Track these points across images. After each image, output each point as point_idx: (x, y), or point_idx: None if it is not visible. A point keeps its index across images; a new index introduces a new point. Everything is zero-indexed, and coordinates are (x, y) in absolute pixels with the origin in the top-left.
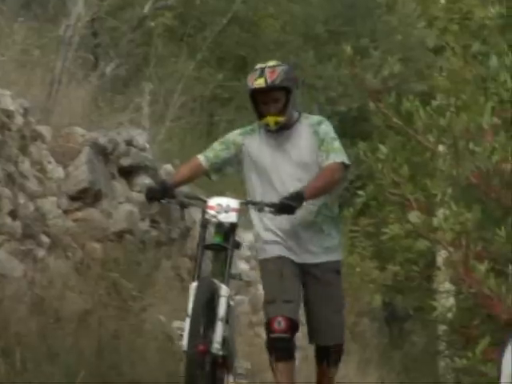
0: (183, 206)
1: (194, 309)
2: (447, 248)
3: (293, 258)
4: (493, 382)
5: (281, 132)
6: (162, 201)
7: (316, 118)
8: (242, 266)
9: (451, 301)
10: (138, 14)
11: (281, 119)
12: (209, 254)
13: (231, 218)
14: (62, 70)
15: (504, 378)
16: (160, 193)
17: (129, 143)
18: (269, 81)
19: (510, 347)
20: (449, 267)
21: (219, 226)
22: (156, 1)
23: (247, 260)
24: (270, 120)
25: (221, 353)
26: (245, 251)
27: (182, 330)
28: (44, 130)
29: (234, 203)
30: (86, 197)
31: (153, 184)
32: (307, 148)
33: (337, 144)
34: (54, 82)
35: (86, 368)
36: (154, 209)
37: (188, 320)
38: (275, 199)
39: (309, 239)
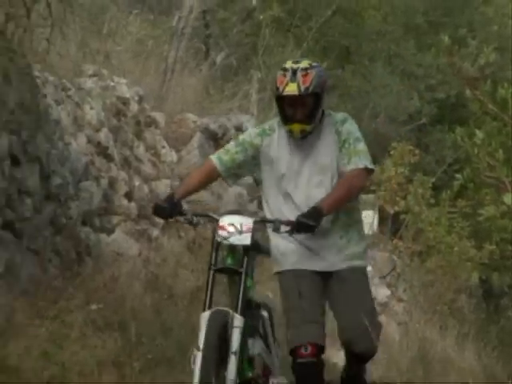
0: (192, 224)
1: (205, 344)
2: None
3: (311, 267)
4: None
5: (303, 137)
6: (170, 219)
7: (340, 115)
8: None
9: None
10: (247, 6)
11: (307, 127)
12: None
13: (245, 240)
14: (175, 60)
15: None
16: (168, 211)
17: (238, 128)
18: (302, 87)
19: None
20: None
21: (231, 248)
22: None
23: None
24: (296, 128)
25: None
26: None
27: (193, 361)
28: (158, 116)
29: (247, 222)
30: None
31: (160, 201)
32: (328, 149)
33: (361, 146)
34: (168, 71)
35: None
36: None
37: (199, 355)
38: (292, 210)
39: (327, 248)
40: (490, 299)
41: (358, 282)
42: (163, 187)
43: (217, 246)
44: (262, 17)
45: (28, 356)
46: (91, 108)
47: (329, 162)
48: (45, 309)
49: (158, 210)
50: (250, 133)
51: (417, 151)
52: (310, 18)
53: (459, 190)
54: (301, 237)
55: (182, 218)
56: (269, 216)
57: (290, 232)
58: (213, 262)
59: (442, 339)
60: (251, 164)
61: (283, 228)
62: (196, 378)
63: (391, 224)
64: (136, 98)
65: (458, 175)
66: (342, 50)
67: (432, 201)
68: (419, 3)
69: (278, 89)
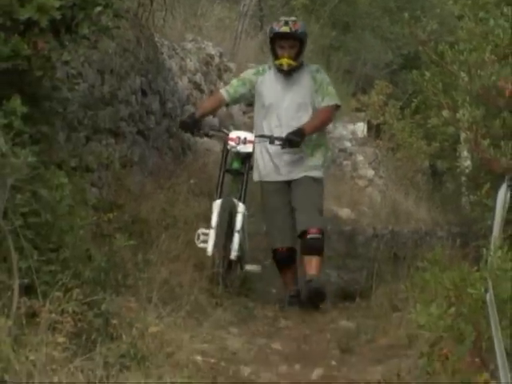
0: (208, 136)
1: (217, 223)
2: (465, 131)
3: (280, 178)
4: (490, 209)
5: (289, 74)
6: (193, 133)
7: (314, 66)
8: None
9: (468, 162)
10: None
11: (293, 63)
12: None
13: (248, 148)
14: (242, 31)
15: (498, 206)
16: (191, 125)
17: None
18: (293, 29)
19: (502, 186)
20: (466, 142)
21: (238, 154)
22: None
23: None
24: (285, 61)
25: (236, 257)
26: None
27: (205, 234)
28: (231, 65)
29: (250, 136)
30: None
31: (184, 118)
32: (306, 90)
33: (331, 89)
34: (237, 38)
35: None
36: None
37: (212, 231)
38: (277, 130)
39: (296, 160)
40: (435, 177)
41: (311, 187)
42: (234, 110)
43: (227, 152)
44: (294, 3)
45: (153, 212)
46: (190, 60)
47: (308, 101)
48: (163, 183)
49: (183, 125)
50: (249, 72)
51: (390, 86)
52: (325, 4)
53: (415, 109)
54: (276, 153)
55: (201, 132)
56: (258, 131)
57: (282, 145)
58: (223, 164)
59: (405, 201)
60: (249, 95)
61: (277, 142)
62: (209, 248)
63: (375, 131)
64: (218, 54)
65: (414, 100)
66: (344, 24)
67: (400, 116)
68: None
69: (273, 29)
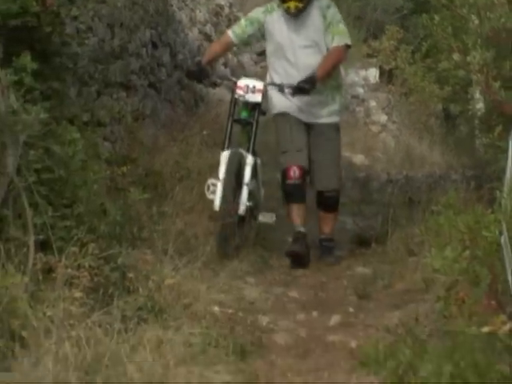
0: (215, 84)
1: (225, 175)
2: (476, 74)
3: (300, 117)
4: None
5: (297, 15)
6: (200, 81)
7: (325, 1)
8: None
9: (481, 105)
10: None
11: (300, 5)
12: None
13: (257, 98)
14: None
15: (511, 148)
16: (198, 73)
17: None
18: None
19: None
20: (477, 85)
21: (246, 103)
22: None
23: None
24: (292, 5)
25: (244, 211)
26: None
27: (214, 185)
28: (241, 15)
29: (259, 85)
30: None
31: (191, 66)
32: (316, 28)
33: (342, 26)
34: None
35: None
36: None
37: (220, 184)
38: (292, 71)
39: (312, 105)
40: (448, 120)
41: (331, 139)
42: (245, 60)
43: (235, 101)
44: None
45: (166, 164)
46: (200, 11)
47: (318, 39)
48: (176, 135)
49: (190, 74)
50: (256, 11)
51: (401, 31)
52: None
53: (426, 52)
54: (295, 98)
55: (208, 80)
56: (273, 75)
57: (292, 93)
58: (231, 113)
59: (419, 145)
60: (257, 35)
61: (287, 90)
62: (217, 201)
63: (387, 76)
64: (227, 5)
65: (425, 43)
66: None
67: (411, 61)
68: None
69: None
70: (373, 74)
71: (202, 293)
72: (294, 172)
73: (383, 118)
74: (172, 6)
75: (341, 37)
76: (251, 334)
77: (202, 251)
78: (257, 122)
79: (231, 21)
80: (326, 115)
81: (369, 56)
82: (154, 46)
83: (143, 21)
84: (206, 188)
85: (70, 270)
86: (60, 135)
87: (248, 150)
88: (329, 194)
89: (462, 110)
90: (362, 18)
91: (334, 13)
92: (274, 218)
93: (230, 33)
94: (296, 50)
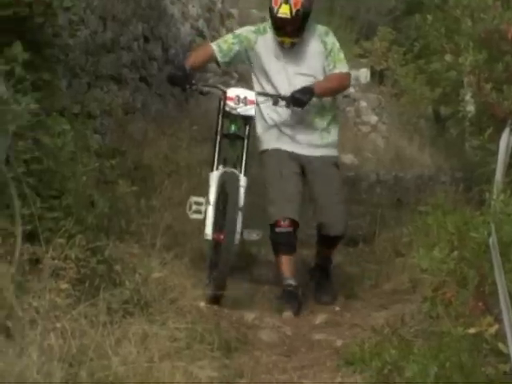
0: (202, 93)
1: (216, 199)
2: (468, 75)
3: (292, 149)
4: (493, 154)
5: (293, 46)
6: (184, 89)
7: (323, 28)
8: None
9: (471, 107)
10: None
11: (296, 40)
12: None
13: (250, 111)
14: None
15: (501, 151)
16: (183, 79)
17: None
18: (294, 10)
19: (505, 130)
20: (469, 87)
21: (235, 117)
22: None
23: None
24: (287, 41)
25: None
26: None
27: (198, 204)
28: (233, 11)
29: (250, 95)
30: None
31: (174, 71)
32: (316, 56)
33: (342, 55)
34: None
35: None
36: None
37: (211, 209)
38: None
39: (311, 132)
40: (438, 122)
41: (332, 175)
42: None
43: (223, 114)
44: None
45: (155, 158)
46: (193, 6)
47: (317, 66)
48: (166, 129)
49: (174, 79)
50: (247, 29)
51: (394, 32)
52: None
53: (418, 53)
54: (286, 123)
55: (193, 88)
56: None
57: (287, 105)
58: (219, 128)
59: (409, 146)
60: (243, 55)
61: (281, 102)
62: (209, 229)
63: (378, 77)
64: (220, 0)
65: (416, 44)
66: None
67: (403, 62)
68: None
69: (273, 9)
70: (364, 74)
71: (189, 288)
72: (284, 220)
73: (373, 118)
74: (164, 0)
75: (343, 65)
76: (236, 330)
77: (189, 247)
78: (248, 138)
79: (223, 17)
80: (323, 146)
81: (360, 56)
82: (146, 39)
83: (135, 14)
84: (187, 207)
85: (56, 262)
86: (50, 126)
87: (240, 170)
88: (335, 238)
89: (452, 112)
90: (355, 19)
91: (334, 41)
92: (260, 235)
93: (214, 46)
94: (291, 78)
